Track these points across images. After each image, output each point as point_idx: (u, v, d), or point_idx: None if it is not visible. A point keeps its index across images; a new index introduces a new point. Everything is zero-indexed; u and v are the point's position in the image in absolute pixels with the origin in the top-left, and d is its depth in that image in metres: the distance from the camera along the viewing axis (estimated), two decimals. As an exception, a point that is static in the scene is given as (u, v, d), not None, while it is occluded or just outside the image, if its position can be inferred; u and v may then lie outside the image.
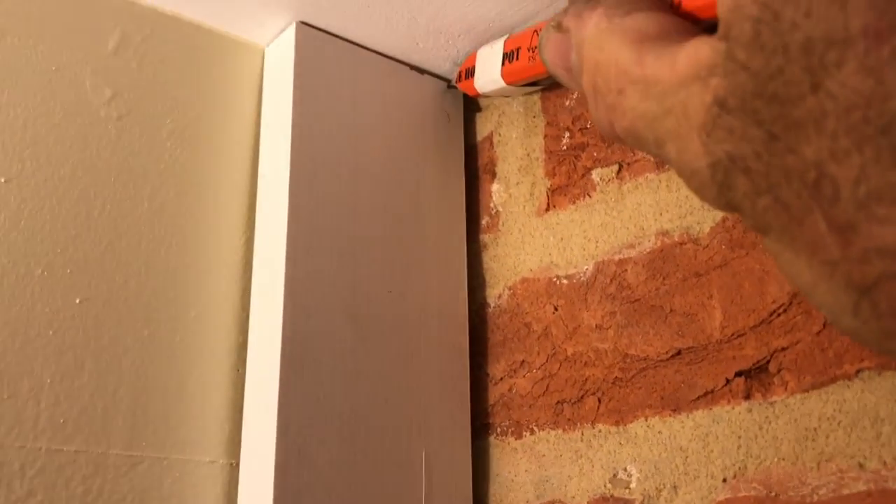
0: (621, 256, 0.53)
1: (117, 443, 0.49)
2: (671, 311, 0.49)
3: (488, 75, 0.58)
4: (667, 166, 0.51)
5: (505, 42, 0.56)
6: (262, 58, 0.60)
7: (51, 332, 0.48)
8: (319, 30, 0.58)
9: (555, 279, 0.57)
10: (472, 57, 0.60)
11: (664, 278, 0.50)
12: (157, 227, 0.53)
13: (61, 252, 0.49)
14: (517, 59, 0.55)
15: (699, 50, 0.24)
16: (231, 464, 0.52)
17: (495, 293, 0.61)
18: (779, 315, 0.44)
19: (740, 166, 0.23)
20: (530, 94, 0.61)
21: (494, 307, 0.61)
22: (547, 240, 0.58)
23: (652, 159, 0.53)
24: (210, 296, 0.54)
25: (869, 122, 0.20)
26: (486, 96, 0.62)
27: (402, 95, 0.61)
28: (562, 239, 0.57)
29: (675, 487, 0.47)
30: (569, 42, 0.30)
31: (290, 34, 0.57)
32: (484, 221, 0.63)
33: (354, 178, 0.57)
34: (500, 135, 0.63)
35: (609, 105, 0.27)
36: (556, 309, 0.56)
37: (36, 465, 0.46)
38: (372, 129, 0.59)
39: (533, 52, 0.54)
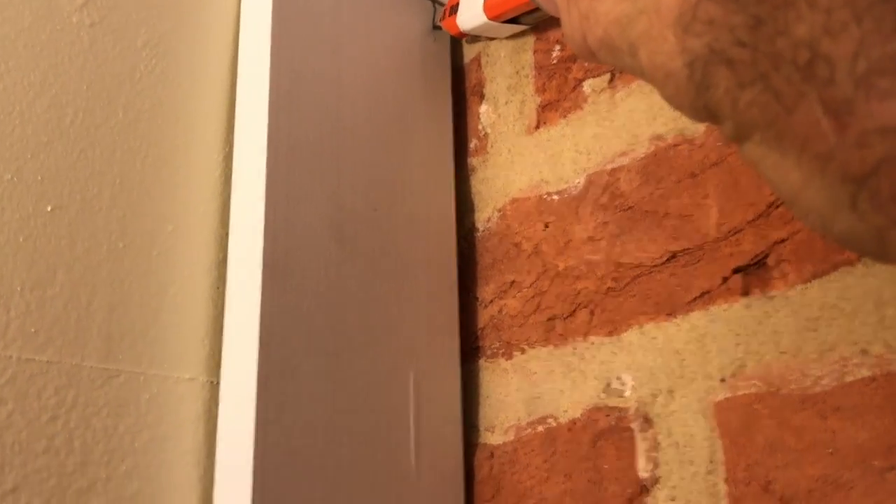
0: (614, 165, 0.51)
1: (92, 354, 0.47)
2: (666, 214, 0.48)
3: (471, 10, 0.55)
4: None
5: None
6: (242, -27, 0.58)
7: (21, 239, 0.46)
8: (300, -59, 0.56)
9: (545, 196, 0.55)
10: None
11: (658, 182, 0.49)
12: (132, 137, 0.51)
13: (31, 158, 0.47)
14: None
15: None
16: (212, 382, 0.51)
17: (484, 217, 0.59)
18: (777, 207, 0.43)
19: (722, 58, 0.21)
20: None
21: (483, 231, 0.59)
22: (537, 158, 0.56)
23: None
24: (188, 210, 0.52)
25: None
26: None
27: (386, 14, 0.59)
28: (552, 155, 0.55)
29: (670, 392, 0.45)
30: None
31: (270, -56, 0.55)
32: (472, 144, 0.61)
33: (337, 95, 0.55)
34: (488, 55, 0.61)
35: (583, 13, 0.25)
36: (546, 226, 0.54)
37: (6, 374, 0.44)
38: (355, 46, 0.57)
39: None
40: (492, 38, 0.60)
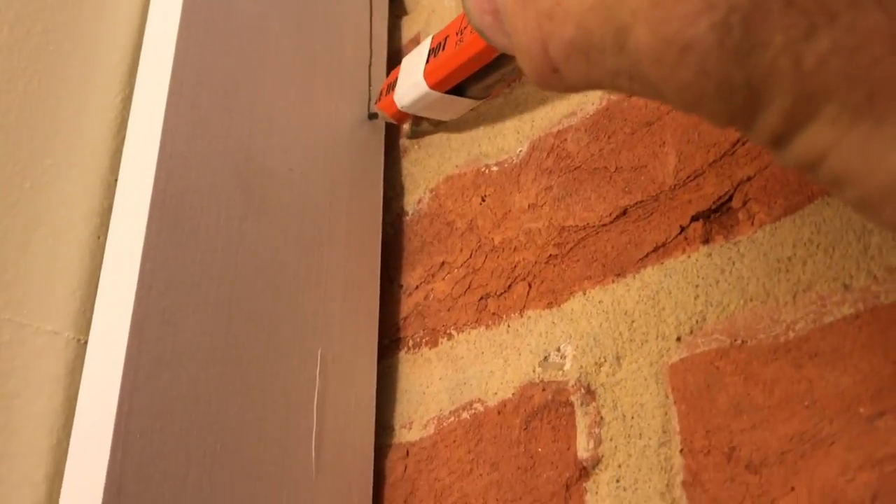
0: (560, 127, 0.46)
1: (-70, 284, 0.39)
2: (616, 169, 0.42)
3: (411, 79, 0.47)
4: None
5: (431, 38, 0.47)
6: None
7: None
8: None
9: (483, 168, 0.49)
10: (395, 70, 0.50)
11: (609, 137, 0.43)
12: (18, 57, 0.44)
13: None
14: (443, 49, 0.45)
15: None
16: (78, 340, 0.43)
17: (414, 199, 0.53)
18: (744, 143, 0.38)
19: None
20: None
21: (413, 214, 0.53)
22: (476, 132, 0.51)
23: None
24: (73, 148, 0.45)
25: None
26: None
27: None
28: (493, 127, 0.50)
29: (617, 358, 0.39)
30: None
31: None
32: (405, 124, 0.56)
33: (260, 37, 0.49)
34: (428, 34, 0.57)
35: (544, 11, 0.19)
36: (483, 199, 0.49)
37: None
38: (282, 7, 0.52)
39: (461, 34, 0.43)
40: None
